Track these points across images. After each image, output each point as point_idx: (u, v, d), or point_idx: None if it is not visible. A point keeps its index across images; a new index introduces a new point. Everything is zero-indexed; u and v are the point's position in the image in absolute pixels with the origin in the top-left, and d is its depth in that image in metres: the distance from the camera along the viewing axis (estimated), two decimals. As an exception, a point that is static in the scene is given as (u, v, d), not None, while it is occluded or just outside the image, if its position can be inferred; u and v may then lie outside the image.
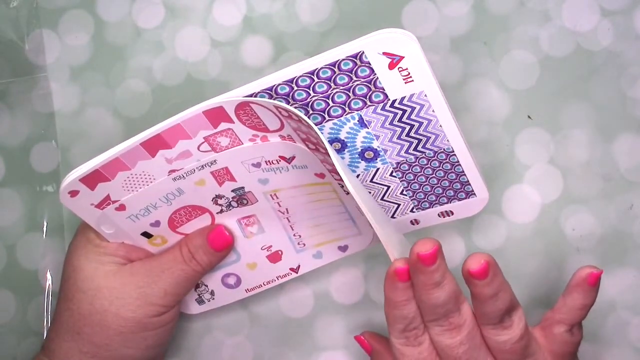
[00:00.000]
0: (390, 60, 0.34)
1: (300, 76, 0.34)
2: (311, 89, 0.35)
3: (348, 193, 0.39)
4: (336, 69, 0.34)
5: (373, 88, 0.35)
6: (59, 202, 0.47)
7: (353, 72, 0.34)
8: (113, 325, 0.39)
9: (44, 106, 0.48)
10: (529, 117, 0.45)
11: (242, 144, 0.37)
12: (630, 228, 0.44)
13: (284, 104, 0.34)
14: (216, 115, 0.35)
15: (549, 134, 0.44)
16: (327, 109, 0.36)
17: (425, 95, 0.35)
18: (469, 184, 0.38)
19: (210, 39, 0.47)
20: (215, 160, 0.37)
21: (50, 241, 0.47)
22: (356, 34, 0.46)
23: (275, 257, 0.42)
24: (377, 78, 0.35)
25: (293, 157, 0.37)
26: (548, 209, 0.44)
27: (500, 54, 0.45)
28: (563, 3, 0.45)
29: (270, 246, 0.42)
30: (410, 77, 0.34)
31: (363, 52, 0.34)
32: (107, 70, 0.48)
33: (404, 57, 0.33)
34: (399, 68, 0.34)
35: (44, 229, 0.47)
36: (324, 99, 0.35)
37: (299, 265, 0.42)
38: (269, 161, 0.38)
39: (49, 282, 0.47)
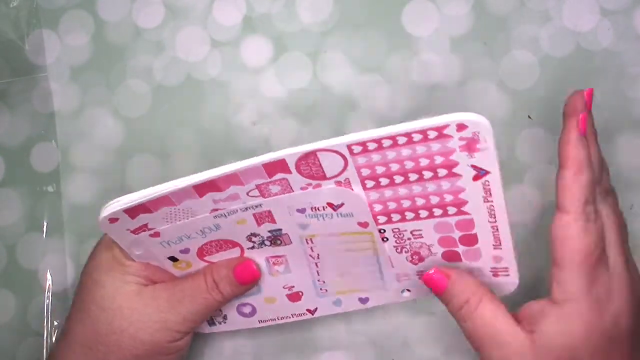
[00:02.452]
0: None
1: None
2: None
3: (386, 241, 0.39)
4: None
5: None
6: (59, 202, 0.47)
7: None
8: (128, 347, 0.38)
9: (44, 106, 0.48)
10: (529, 117, 0.45)
11: (293, 192, 0.37)
12: (630, 228, 0.44)
13: (360, 135, 0.34)
14: (275, 167, 0.35)
15: (549, 134, 0.44)
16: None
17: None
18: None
19: (210, 39, 0.47)
20: (260, 204, 0.37)
21: (50, 241, 0.47)
22: (356, 33, 0.46)
23: (295, 297, 0.42)
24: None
25: (341, 205, 0.37)
26: (548, 209, 0.44)
27: (500, 54, 0.45)
28: (563, 3, 0.45)
29: (293, 286, 0.41)
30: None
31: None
32: (107, 70, 0.48)
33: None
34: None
35: (44, 229, 0.47)
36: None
37: (317, 309, 0.42)
38: (315, 207, 0.38)
39: (49, 282, 0.47)
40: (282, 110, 0.46)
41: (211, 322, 0.43)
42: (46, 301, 0.47)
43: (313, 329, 0.45)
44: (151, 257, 0.39)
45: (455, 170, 0.36)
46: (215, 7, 0.47)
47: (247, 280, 0.40)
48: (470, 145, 0.35)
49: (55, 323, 0.46)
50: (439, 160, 0.36)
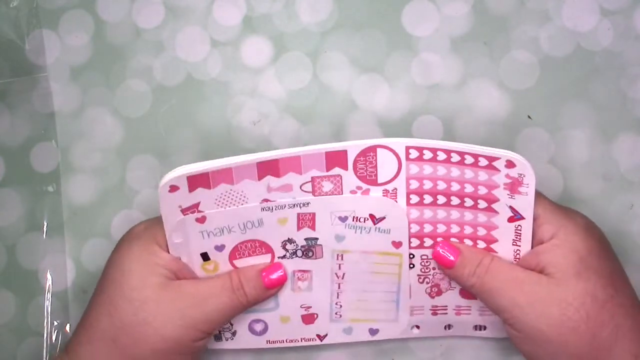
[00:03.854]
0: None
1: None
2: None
3: (412, 267, 0.40)
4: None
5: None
6: (59, 202, 0.47)
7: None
8: (151, 341, 0.38)
9: (44, 106, 0.48)
10: (529, 117, 0.45)
11: (342, 194, 0.38)
12: (630, 228, 0.44)
13: (419, 140, 0.37)
14: (334, 159, 0.38)
15: (549, 134, 0.44)
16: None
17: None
18: None
19: (210, 39, 0.47)
20: (308, 203, 0.39)
21: (50, 241, 0.47)
22: (356, 33, 0.46)
23: (309, 318, 0.42)
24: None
25: (382, 219, 0.39)
26: (548, 209, 0.44)
27: (500, 54, 0.45)
28: (563, 3, 0.45)
29: (310, 307, 0.42)
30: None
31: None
32: (107, 70, 0.48)
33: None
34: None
35: (44, 229, 0.47)
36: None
37: (327, 335, 0.42)
38: (356, 217, 0.39)
39: (49, 282, 0.47)
40: (282, 110, 0.46)
41: (218, 337, 0.43)
42: (46, 301, 0.47)
43: (313, 329, 0.45)
44: (185, 250, 0.40)
45: (494, 206, 0.39)
46: (215, 7, 0.47)
47: (273, 283, 0.40)
48: (514, 186, 0.38)
49: (55, 323, 0.46)
50: (482, 191, 0.38)
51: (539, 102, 0.45)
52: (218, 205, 0.39)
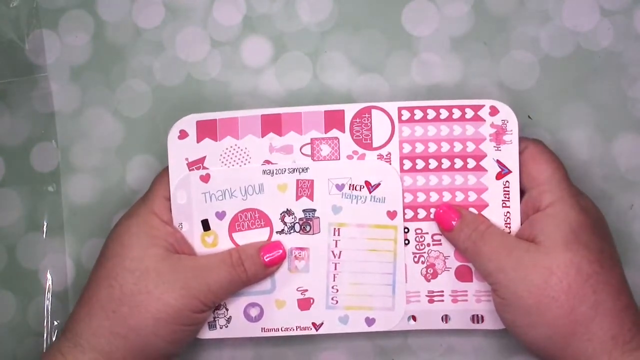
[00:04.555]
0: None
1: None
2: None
3: (407, 244, 0.41)
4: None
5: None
6: (59, 202, 0.47)
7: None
8: (153, 309, 0.38)
9: (44, 106, 0.48)
10: (529, 117, 0.45)
11: (339, 158, 0.41)
12: (630, 228, 0.44)
13: (409, 102, 0.41)
14: (333, 119, 0.41)
15: (549, 134, 0.44)
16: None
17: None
18: None
19: (210, 39, 0.47)
20: (307, 168, 0.41)
21: (50, 241, 0.47)
22: (356, 33, 0.46)
23: (305, 303, 0.42)
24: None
25: (377, 185, 0.41)
26: (548, 209, 0.44)
27: (500, 54, 0.45)
28: (563, 3, 0.45)
29: (306, 290, 0.42)
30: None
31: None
32: (107, 70, 0.48)
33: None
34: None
35: (44, 229, 0.47)
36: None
37: (322, 324, 0.42)
38: (352, 185, 0.41)
39: (49, 282, 0.47)
40: (282, 110, 0.46)
41: (212, 325, 0.42)
42: (46, 301, 0.47)
43: (313, 329, 0.45)
44: (187, 214, 0.41)
45: (482, 163, 0.40)
46: (215, 7, 0.47)
47: (272, 261, 0.41)
48: (499, 135, 0.40)
49: (55, 323, 0.46)
50: (470, 147, 0.40)
51: (539, 102, 0.45)
52: (223, 162, 0.41)
